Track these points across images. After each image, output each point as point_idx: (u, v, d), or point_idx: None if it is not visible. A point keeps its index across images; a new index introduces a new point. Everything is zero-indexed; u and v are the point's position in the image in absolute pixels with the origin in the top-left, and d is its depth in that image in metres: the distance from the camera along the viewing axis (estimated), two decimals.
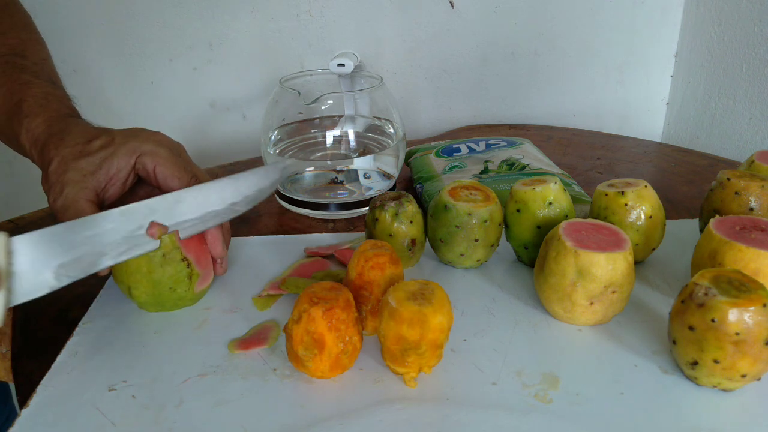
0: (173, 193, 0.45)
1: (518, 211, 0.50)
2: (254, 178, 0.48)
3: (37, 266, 0.38)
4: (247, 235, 0.60)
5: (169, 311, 0.48)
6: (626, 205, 0.49)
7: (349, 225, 0.64)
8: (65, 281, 0.39)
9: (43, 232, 0.39)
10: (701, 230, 0.55)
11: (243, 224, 0.64)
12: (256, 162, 0.81)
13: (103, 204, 0.47)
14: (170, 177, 0.47)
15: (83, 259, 0.40)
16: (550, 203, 0.49)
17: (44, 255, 0.38)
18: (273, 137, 0.69)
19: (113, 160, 0.46)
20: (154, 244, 0.44)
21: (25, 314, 0.51)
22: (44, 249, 0.39)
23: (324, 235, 0.60)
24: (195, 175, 0.48)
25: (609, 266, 0.41)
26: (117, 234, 0.42)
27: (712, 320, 0.35)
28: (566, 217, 0.49)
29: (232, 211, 0.47)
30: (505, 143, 0.75)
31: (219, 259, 0.49)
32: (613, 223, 0.48)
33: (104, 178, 0.46)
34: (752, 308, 0.35)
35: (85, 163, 0.45)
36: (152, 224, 0.43)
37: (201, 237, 0.48)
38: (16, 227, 0.64)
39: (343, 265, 0.53)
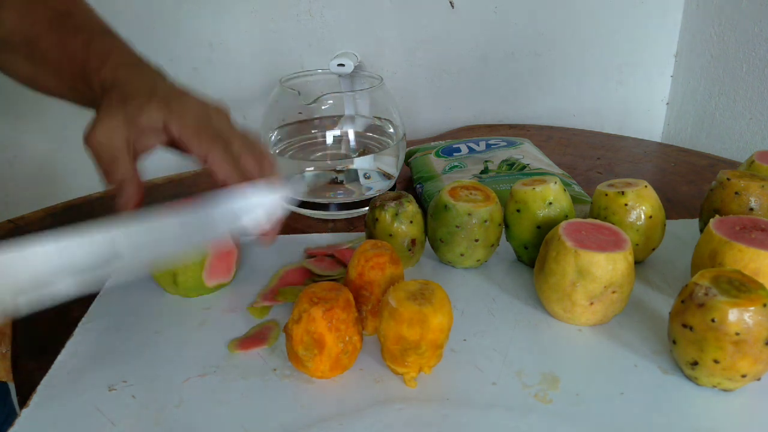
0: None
1: (518, 211, 0.50)
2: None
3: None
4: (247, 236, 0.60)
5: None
6: (626, 205, 0.49)
7: (349, 225, 0.64)
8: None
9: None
10: (701, 230, 0.55)
11: None
12: None
13: (136, 156, 0.45)
14: (195, 146, 0.45)
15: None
16: (550, 203, 0.49)
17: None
18: (273, 137, 0.69)
19: (143, 115, 0.45)
20: None
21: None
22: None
23: (324, 235, 0.60)
24: (227, 141, 0.46)
25: (609, 266, 0.41)
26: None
27: (712, 320, 0.35)
28: (566, 217, 0.49)
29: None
30: (505, 143, 0.75)
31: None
32: (613, 223, 0.48)
33: (138, 131, 0.44)
34: (752, 308, 0.35)
35: (127, 109, 0.44)
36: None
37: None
38: (16, 227, 0.64)
39: (343, 265, 0.53)
